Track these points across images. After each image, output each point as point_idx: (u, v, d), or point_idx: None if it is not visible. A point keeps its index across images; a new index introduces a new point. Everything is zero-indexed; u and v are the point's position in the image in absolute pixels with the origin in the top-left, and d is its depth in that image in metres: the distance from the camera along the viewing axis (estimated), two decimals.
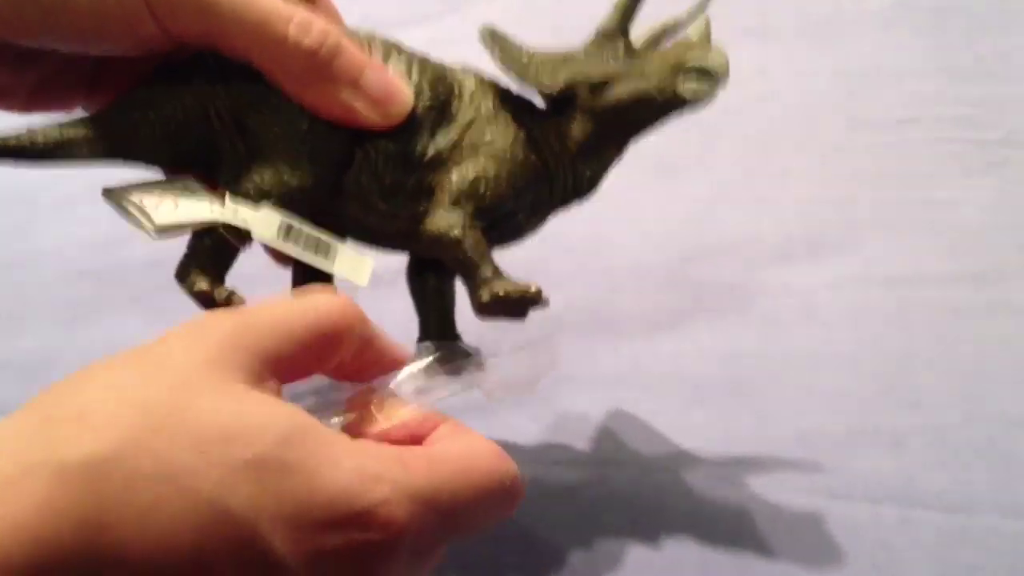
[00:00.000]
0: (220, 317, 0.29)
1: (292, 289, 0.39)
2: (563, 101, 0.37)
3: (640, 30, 0.38)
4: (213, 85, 0.35)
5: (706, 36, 0.38)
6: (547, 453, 0.49)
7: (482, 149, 0.37)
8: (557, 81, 0.37)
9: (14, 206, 0.64)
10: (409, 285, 0.41)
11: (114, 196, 0.33)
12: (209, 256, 0.35)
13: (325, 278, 0.38)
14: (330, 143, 0.35)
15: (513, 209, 0.38)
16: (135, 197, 0.33)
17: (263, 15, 0.33)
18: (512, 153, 0.37)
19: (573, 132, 0.37)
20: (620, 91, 0.36)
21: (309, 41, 0.33)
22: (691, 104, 0.36)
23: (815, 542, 0.45)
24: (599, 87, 0.37)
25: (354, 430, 0.32)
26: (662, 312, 0.54)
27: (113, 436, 0.24)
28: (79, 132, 0.34)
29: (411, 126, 0.36)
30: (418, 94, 0.36)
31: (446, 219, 0.36)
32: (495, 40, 0.37)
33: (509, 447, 0.51)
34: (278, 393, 0.29)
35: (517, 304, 0.36)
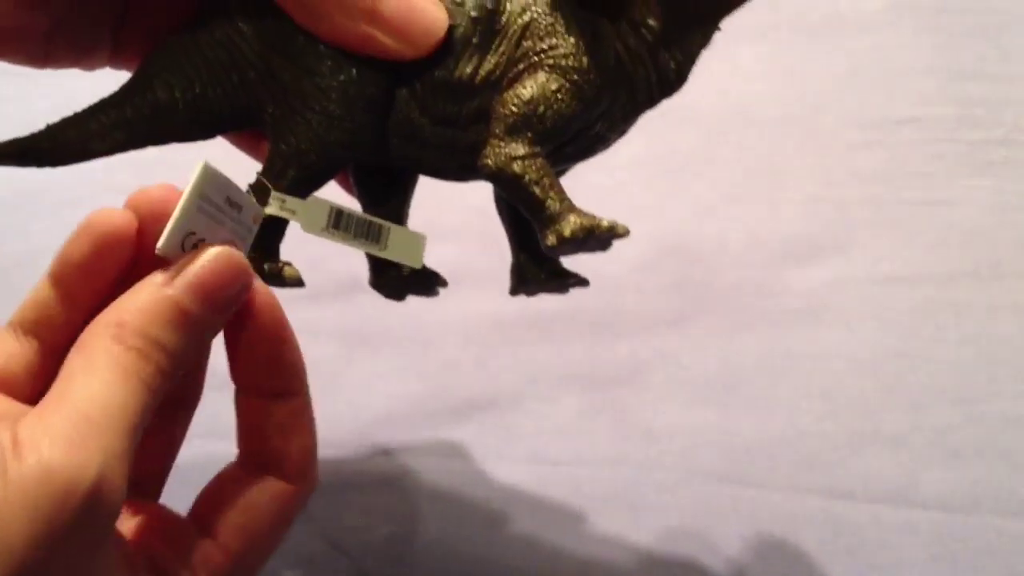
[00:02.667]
0: (96, 514, 0.23)
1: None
2: None
3: None
4: (236, 28, 0.31)
5: None
6: (547, 453, 0.49)
7: (541, 60, 0.31)
8: None
9: (14, 206, 0.64)
10: (498, 212, 0.37)
11: (167, 249, 0.27)
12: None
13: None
14: (366, 83, 0.31)
15: (586, 124, 0.33)
16: (180, 236, 0.27)
17: None
18: (577, 60, 0.31)
19: (648, 21, 0.32)
20: None
21: None
22: None
23: (815, 542, 0.45)
24: None
25: None
26: (662, 312, 0.54)
27: None
28: (96, 123, 0.32)
29: (454, 48, 0.31)
30: (458, 6, 0.31)
31: (502, 153, 0.31)
32: None
33: (509, 447, 0.51)
34: None
35: (589, 242, 0.31)
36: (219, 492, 0.30)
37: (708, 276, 0.56)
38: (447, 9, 0.31)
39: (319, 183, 0.32)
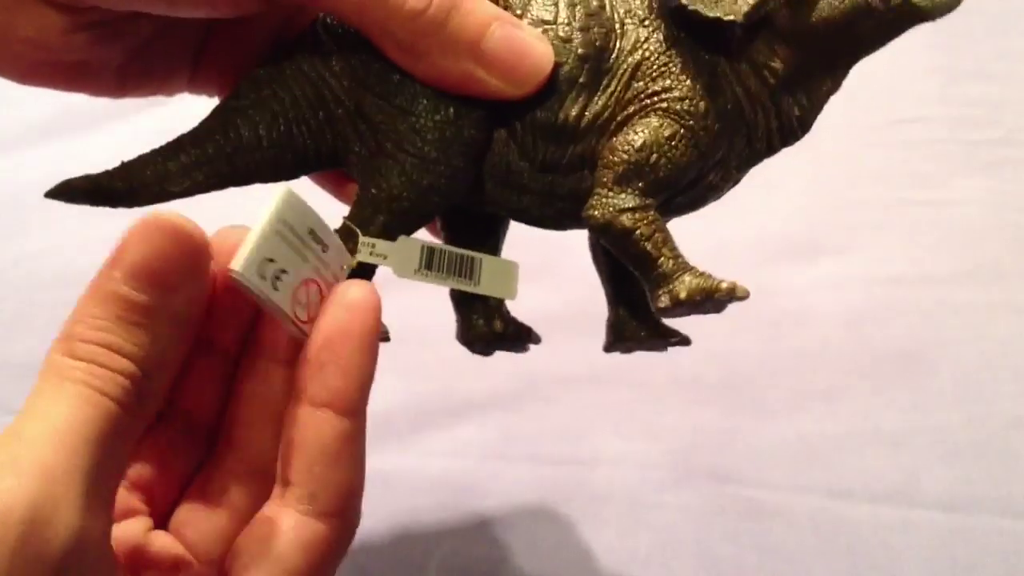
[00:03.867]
0: (44, 545, 0.20)
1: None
2: (756, 22, 0.29)
3: None
4: (326, 63, 0.29)
5: None
6: (547, 453, 0.49)
7: (654, 103, 0.29)
8: (740, 9, 0.28)
9: (13, 206, 0.64)
10: (594, 261, 0.34)
11: (246, 275, 0.25)
12: None
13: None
14: (464, 124, 0.29)
15: (700, 173, 0.30)
16: (268, 293, 0.25)
17: None
18: (693, 105, 0.29)
19: (771, 63, 0.29)
20: (831, 8, 0.28)
21: (415, 0, 0.27)
22: (928, 16, 0.28)
23: (815, 542, 0.45)
24: (799, 3, 0.28)
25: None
26: None
27: None
28: (176, 163, 0.30)
29: (559, 87, 0.29)
30: (565, 43, 0.29)
31: (610, 204, 0.29)
32: None
33: (509, 447, 0.51)
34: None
35: (705, 305, 0.29)
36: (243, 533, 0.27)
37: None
38: (553, 46, 0.29)
39: (410, 230, 0.30)
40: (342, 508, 0.26)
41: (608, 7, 0.30)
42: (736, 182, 0.32)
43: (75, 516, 0.21)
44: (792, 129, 0.31)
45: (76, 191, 0.30)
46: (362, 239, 0.29)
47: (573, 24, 0.29)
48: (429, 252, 0.30)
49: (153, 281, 0.23)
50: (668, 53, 0.29)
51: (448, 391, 0.52)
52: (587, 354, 0.53)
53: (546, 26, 0.29)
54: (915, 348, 0.52)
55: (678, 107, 0.29)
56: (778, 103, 0.30)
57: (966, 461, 0.47)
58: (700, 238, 0.60)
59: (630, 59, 0.29)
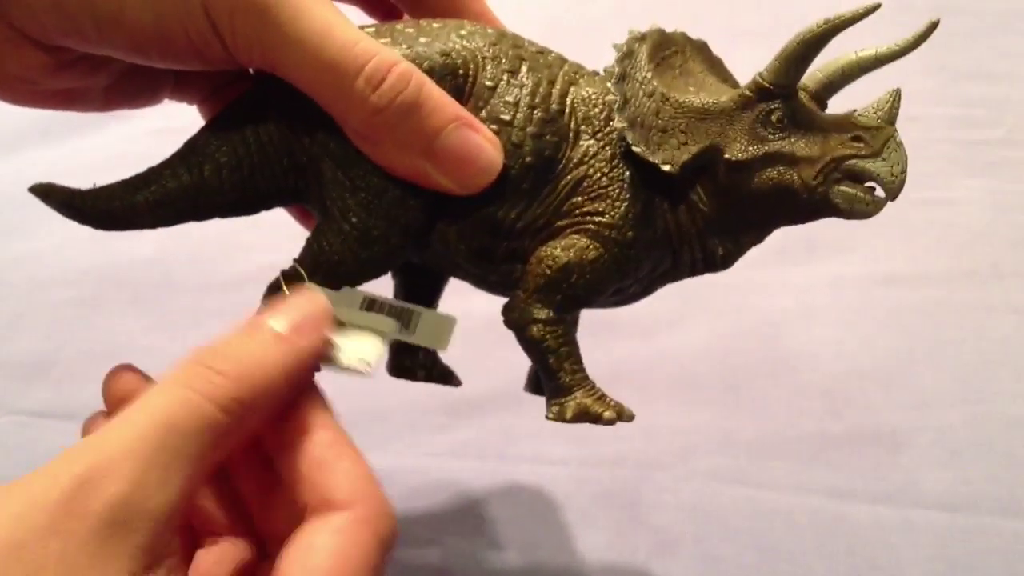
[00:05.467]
0: (89, 498, 0.23)
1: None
2: (696, 167, 0.30)
3: (815, 63, 0.32)
4: (295, 116, 0.30)
5: (889, 115, 0.30)
6: (547, 453, 0.49)
7: (585, 222, 0.30)
8: (679, 159, 0.29)
9: (14, 206, 0.64)
10: None
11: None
12: None
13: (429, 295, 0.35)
14: (410, 208, 0.30)
15: (621, 287, 0.32)
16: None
17: (331, 60, 0.28)
18: (621, 233, 0.30)
19: (703, 207, 0.31)
20: (761, 179, 0.29)
21: (377, 97, 0.28)
22: (844, 215, 0.29)
23: (815, 542, 0.45)
24: (734, 167, 0.30)
25: None
26: (661, 312, 0.54)
27: None
28: (142, 198, 0.31)
29: (504, 188, 0.30)
30: (516, 148, 0.30)
31: (526, 311, 0.30)
32: (623, 69, 0.30)
33: (509, 447, 0.51)
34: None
35: (591, 423, 0.31)
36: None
37: (708, 276, 0.56)
38: (504, 149, 0.30)
39: (350, 285, 0.31)
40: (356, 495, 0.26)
41: (568, 112, 0.31)
42: (655, 291, 0.34)
43: (124, 485, 0.23)
44: (715, 264, 0.32)
45: (53, 197, 0.31)
46: (308, 283, 0.30)
47: (527, 129, 0.30)
48: (370, 302, 0.31)
49: (292, 323, 0.27)
50: (611, 175, 0.30)
51: (448, 391, 0.51)
52: (587, 354, 0.53)
53: (502, 127, 0.30)
54: (915, 348, 0.52)
55: (607, 233, 0.30)
56: (704, 242, 0.31)
57: (966, 461, 0.47)
58: None
59: (575, 172, 0.30)
